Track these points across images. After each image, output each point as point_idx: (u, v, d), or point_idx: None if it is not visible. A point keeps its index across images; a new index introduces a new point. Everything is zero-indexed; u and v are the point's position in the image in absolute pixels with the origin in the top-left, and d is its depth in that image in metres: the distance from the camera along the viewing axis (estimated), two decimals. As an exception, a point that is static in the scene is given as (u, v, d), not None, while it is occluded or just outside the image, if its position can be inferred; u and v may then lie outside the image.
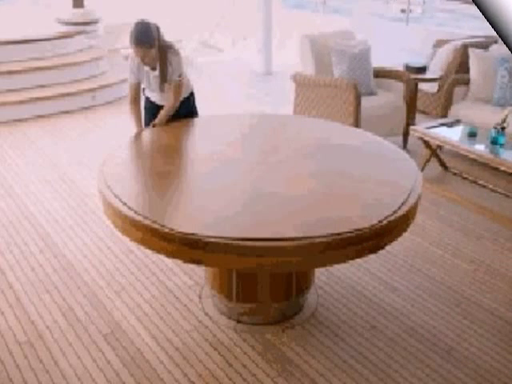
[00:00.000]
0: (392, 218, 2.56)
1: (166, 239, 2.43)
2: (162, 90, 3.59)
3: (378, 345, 2.93)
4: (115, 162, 3.08)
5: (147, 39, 3.33)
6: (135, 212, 2.53)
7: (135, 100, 3.66)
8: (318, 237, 2.39)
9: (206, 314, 3.12)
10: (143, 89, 3.77)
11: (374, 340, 2.96)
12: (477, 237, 4.01)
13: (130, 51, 3.47)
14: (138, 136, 3.50)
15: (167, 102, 3.64)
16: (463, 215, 4.31)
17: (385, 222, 2.52)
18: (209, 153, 3.25)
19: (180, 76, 3.55)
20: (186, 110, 3.82)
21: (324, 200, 2.74)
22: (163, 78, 3.51)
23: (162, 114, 3.61)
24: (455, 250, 3.84)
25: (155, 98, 3.76)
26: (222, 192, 2.78)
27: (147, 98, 3.83)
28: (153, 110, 3.77)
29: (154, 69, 3.52)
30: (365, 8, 9.67)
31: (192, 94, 3.91)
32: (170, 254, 2.52)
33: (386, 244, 2.63)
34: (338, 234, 2.41)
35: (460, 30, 8.05)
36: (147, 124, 3.72)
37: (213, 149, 3.30)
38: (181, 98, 3.70)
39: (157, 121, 3.60)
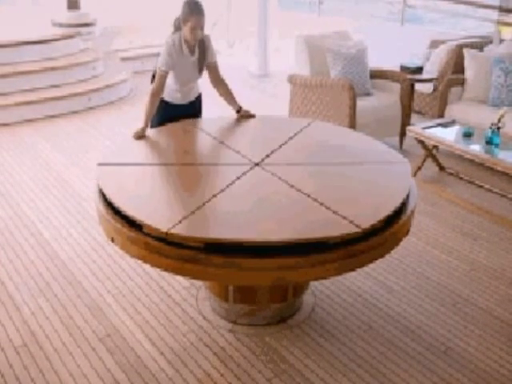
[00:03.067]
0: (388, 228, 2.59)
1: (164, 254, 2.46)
2: (200, 72, 3.62)
3: (374, 345, 2.94)
4: (113, 172, 3.02)
5: (203, 8, 3.40)
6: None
7: (159, 92, 3.50)
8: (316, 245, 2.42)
9: (204, 317, 3.12)
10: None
11: (371, 340, 2.97)
12: (473, 237, 4.03)
13: (168, 39, 3.47)
14: (139, 136, 3.38)
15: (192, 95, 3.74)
16: (459, 215, 4.32)
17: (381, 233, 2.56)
18: (207, 155, 3.26)
19: (215, 56, 3.64)
20: (197, 109, 3.87)
21: (321, 203, 2.73)
22: (203, 61, 3.56)
23: (234, 102, 3.74)
24: (451, 249, 3.85)
25: (178, 97, 3.68)
26: (220, 195, 2.79)
27: (162, 101, 3.62)
28: (169, 110, 3.66)
29: (192, 53, 3.53)
30: (365, 9, 9.68)
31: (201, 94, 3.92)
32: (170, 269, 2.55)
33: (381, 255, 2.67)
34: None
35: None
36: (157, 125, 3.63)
37: (212, 151, 3.31)
38: (199, 91, 3.84)
39: (243, 112, 3.72)
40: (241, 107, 3.75)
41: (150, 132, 3.50)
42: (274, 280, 2.50)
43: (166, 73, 3.50)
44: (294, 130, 3.59)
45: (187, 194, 2.87)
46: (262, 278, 2.49)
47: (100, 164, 3.09)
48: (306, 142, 3.47)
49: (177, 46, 3.47)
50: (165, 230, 2.43)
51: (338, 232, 2.46)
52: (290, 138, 3.47)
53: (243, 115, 3.74)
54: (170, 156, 3.31)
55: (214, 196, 2.75)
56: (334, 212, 2.60)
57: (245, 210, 2.67)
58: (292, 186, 2.84)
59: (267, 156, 3.20)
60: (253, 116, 3.76)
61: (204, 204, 2.67)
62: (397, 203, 2.70)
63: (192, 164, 3.17)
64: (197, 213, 2.60)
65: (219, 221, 2.60)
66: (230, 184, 2.88)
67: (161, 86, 3.51)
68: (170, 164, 3.18)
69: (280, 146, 3.34)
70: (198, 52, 3.54)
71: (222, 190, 2.81)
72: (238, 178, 2.94)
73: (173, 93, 3.67)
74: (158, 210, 2.66)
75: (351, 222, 2.51)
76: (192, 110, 3.78)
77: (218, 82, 3.71)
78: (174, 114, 3.67)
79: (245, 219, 2.59)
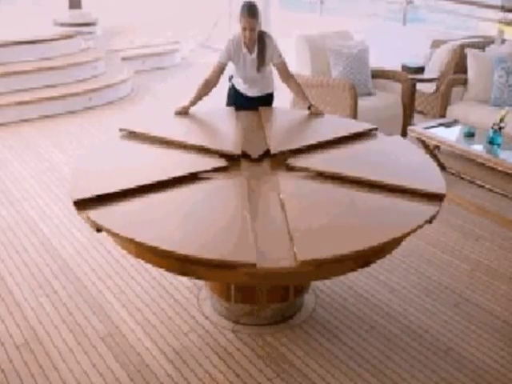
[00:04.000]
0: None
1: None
2: (259, 70, 3.80)
3: (376, 345, 2.93)
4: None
5: (257, 14, 3.63)
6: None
7: (211, 80, 3.77)
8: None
9: (205, 316, 3.11)
10: (230, 77, 4.05)
11: (372, 340, 2.97)
12: (475, 237, 4.02)
13: (230, 37, 3.75)
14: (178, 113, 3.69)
15: (262, 89, 3.98)
16: (461, 215, 4.31)
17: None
18: (216, 144, 3.28)
19: (280, 56, 3.79)
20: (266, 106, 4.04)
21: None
22: (261, 60, 3.75)
23: (303, 101, 3.85)
24: (453, 250, 3.84)
25: (244, 88, 3.98)
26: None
27: (233, 88, 4.06)
28: (238, 98, 4.01)
29: (251, 52, 3.74)
30: (367, 8, 9.67)
31: (273, 95, 4.12)
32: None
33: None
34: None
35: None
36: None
37: (229, 141, 3.34)
38: (269, 90, 4.04)
39: (314, 110, 3.79)
40: (311, 104, 3.83)
41: (193, 112, 3.73)
42: (180, 272, 2.53)
43: (222, 64, 3.78)
44: (350, 137, 3.44)
45: (142, 175, 2.87)
46: (169, 266, 2.52)
47: (121, 129, 3.43)
48: (348, 151, 3.29)
49: (236, 43, 3.74)
50: (74, 199, 2.60)
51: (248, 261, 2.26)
52: (336, 143, 3.35)
53: (313, 112, 3.80)
54: (178, 137, 3.36)
55: (165, 186, 2.77)
56: (282, 242, 2.40)
57: (186, 213, 2.62)
58: (279, 197, 2.73)
59: (287, 156, 3.14)
60: (322, 114, 3.80)
61: (144, 192, 2.69)
62: (372, 244, 2.40)
63: (190, 148, 3.22)
64: (128, 198, 2.66)
65: (136, 214, 2.59)
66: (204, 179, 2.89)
67: (213, 75, 3.78)
68: (172, 144, 3.28)
69: (306, 148, 3.24)
70: (256, 51, 3.73)
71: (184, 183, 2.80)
72: (226, 169, 2.97)
73: (238, 84, 4.00)
74: (96, 183, 2.78)
75: (288, 256, 2.30)
76: (260, 105, 3.94)
77: (287, 81, 3.88)
78: (243, 103, 3.95)
79: (172, 222, 2.54)
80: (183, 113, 3.70)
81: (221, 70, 3.79)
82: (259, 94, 4.00)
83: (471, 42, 5.98)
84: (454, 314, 3.20)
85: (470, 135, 4.56)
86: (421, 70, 5.60)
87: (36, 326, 3.02)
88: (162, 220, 2.54)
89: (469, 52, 5.55)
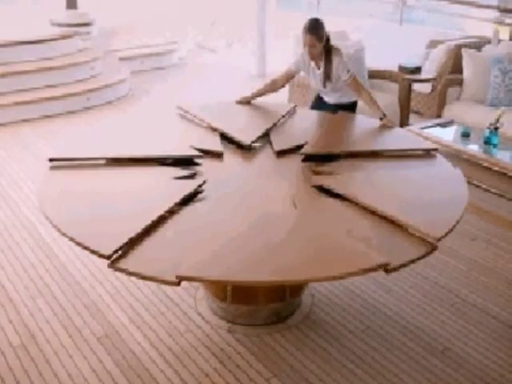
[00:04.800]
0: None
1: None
2: (324, 86, 3.91)
3: (372, 345, 2.95)
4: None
5: (318, 31, 3.69)
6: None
7: (277, 81, 3.98)
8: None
9: (202, 317, 3.12)
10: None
11: (369, 340, 2.98)
12: (471, 237, 4.03)
13: (302, 50, 3.85)
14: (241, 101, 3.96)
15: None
16: (458, 215, 4.32)
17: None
18: (243, 134, 3.42)
19: (348, 72, 3.79)
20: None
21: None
22: (327, 76, 3.82)
23: (377, 111, 3.75)
24: (450, 250, 3.86)
25: (323, 93, 4.12)
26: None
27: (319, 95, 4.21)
28: (320, 104, 4.14)
29: (318, 67, 3.84)
30: (364, 8, 9.68)
31: (356, 104, 4.13)
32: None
33: None
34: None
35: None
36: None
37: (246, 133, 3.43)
38: (351, 99, 4.05)
39: (385, 121, 3.69)
40: (384, 115, 3.72)
41: (256, 103, 3.96)
42: None
43: (290, 71, 3.95)
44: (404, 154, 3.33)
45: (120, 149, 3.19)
46: None
47: (178, 107, 3.79)
48: (381, 169, 3.14)
49: (306, 57, 3.84)
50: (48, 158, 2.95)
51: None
52: (378, 156, 3.28)
53: (384, 123, 3.69)
54: (214, 121, 3.56)
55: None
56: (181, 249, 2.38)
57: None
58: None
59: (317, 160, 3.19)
60: (392, 126, 3.71)
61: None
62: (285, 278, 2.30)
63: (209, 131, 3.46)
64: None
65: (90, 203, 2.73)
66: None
67: (280, 78, 3.97)
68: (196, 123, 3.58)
69: (343, 156, 3.23)
70: (323, 67, 3.81)
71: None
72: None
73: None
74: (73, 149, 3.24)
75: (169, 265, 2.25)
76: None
77: (359, 94, 3.91)
78: (324, 109, 4.04)
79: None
80: (244, 103, 3.92)
81: (289, 75, 3.95)
82: (340, 101, 4.04)
83: (467, 42, 6.00)
84: (451, 314, 3.21)
85: (466, 135, 4.58)
86: (417, 70, 5.61)
87: (35, 330, 3.01)
88: (79, 194, 2.78)
89: (465, 52, 5.56)
